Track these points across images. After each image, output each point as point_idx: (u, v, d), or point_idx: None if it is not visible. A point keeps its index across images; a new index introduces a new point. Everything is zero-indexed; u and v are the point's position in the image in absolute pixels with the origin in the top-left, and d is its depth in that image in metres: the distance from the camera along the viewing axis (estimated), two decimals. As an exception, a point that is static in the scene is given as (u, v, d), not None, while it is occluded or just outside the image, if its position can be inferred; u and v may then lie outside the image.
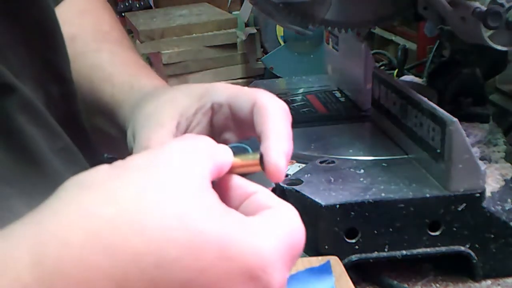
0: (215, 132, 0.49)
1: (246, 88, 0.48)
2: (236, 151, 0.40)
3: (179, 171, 0.33)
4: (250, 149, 0.42)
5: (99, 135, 0.58)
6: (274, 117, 0.44)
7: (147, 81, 0.55)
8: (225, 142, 0.49)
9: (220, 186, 0.38)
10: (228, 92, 0.48)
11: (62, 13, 0.52)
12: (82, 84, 0.56)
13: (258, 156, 0.40)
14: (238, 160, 0.39)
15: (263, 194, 0.37)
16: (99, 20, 0.63)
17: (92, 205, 0.30)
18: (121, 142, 0.53)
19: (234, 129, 0.49)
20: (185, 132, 0.48)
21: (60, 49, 0.51)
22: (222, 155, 0.37)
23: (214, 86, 0.49)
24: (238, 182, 0.38)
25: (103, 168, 0.33)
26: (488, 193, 0.65)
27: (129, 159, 0.34)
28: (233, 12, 1.71)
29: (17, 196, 0.40)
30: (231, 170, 0.38)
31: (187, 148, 0.35)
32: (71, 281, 0.28)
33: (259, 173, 0.41)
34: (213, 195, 0.33)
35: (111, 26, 0.63)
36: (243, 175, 0.39)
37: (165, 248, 0.30)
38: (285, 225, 0.35)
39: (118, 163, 0.33)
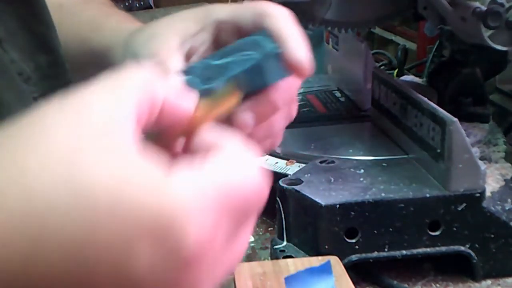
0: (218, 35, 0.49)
1: (247, 2, 0.48)
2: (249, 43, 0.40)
3: (88, 114, 0.28)
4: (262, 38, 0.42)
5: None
6: (286, 23, 0.44)
7: (133, 24, 0.56)
8: None
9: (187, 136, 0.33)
10: (229, 8, 0.48)
11: None
12: (71, 40, 0.56)
13: (232, 89, 0.36)
14: (208, 104, 0.33)
15: (213, 132, 0.32)
16: None
17: None
18: None
19: None
20: (189, 52, 0.48)
21: (47, 20, 0.51)
22: (167, 91, 0.31)
23: (214, 6, 0.49)
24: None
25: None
26: (488, 193, 0.65)
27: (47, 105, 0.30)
28: (233, 12, 1.71)
29: None
30: (200, 119, 0.32)
31: (112, 85, 0.30)
32: None
33: None
34: (127, 135, 0.28)
35: None
36: None
37: (50, 208, 0.26)
38: (222, 170, 0.29)
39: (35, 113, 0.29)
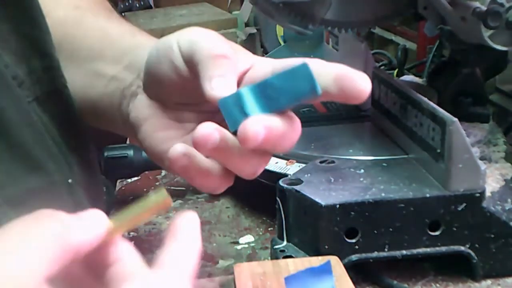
0: (243, 80, 0.47)
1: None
2: None
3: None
4: None
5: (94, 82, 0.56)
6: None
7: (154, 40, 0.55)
8: None
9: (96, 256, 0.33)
10: (274, 63, 0.46)
11: None
12: (93, 34, 0.56)
13: (162, 196, 0.34)
14: (121, 220, 0.34)
15: (124, 264, 0.33)
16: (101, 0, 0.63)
17: None
18: (121, 82, 0.53)
19: None
20: None
21: (40, 24, 0.50)
22: (80, 235, 0.32)
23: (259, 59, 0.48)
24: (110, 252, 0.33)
25: None
26: (488, 193, 0.65)
27: None
28: (233, 12, 1.72)
29: None
30: (115, 231, 0.33)
31: (25, 243, 0.30)
32: None
33: None
34: None
35: (111, 9, 0.63)
36: None
37: None
38: None
39: None
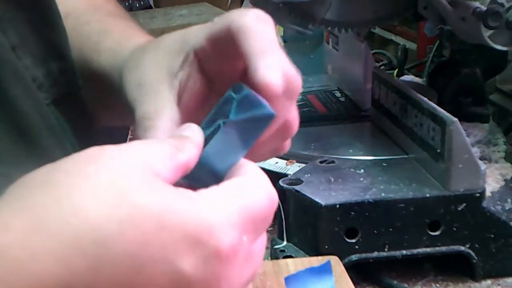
0: (215, 79, 0.45)
1: (218, 17, 0.44)
2: None
3: (124, 163, 0.33)
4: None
5: (99, 106, 0.56)
6: (253, 35, 0.41)
7: (128, 42, 0.53)
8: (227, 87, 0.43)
9: None
10: (203, 31, 0.44)
11: None
12: (74, 57, 0.56)
13: None
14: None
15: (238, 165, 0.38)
16: None
17: (36, 199, 0.31)
18: (122, 108, 0.53)
19: (230, 70, 0.44)
20: (180, 90, 0.45)
21: (58, 26, 0.50)
22: (187, 153, 0.37)
23: (188, 32, 0.46)
24: None
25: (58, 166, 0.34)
26: (488, 193, 0.65)
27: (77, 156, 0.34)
28: (233, 12, 1.71)
29: (5, 172, 0.40)
30: None
31: (142, 150, 0.35)
32: (15, 264, 0.29)
33: None
34: (159, 180, 0.33)
35: (107, 0, 0.63)
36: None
37: (104, 224, 0.30)
38: (240, 192, 0.35)
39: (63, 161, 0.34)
